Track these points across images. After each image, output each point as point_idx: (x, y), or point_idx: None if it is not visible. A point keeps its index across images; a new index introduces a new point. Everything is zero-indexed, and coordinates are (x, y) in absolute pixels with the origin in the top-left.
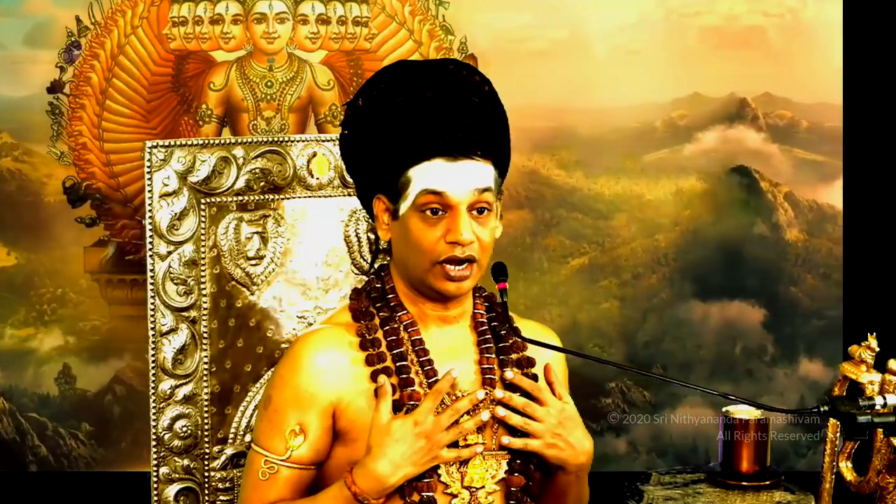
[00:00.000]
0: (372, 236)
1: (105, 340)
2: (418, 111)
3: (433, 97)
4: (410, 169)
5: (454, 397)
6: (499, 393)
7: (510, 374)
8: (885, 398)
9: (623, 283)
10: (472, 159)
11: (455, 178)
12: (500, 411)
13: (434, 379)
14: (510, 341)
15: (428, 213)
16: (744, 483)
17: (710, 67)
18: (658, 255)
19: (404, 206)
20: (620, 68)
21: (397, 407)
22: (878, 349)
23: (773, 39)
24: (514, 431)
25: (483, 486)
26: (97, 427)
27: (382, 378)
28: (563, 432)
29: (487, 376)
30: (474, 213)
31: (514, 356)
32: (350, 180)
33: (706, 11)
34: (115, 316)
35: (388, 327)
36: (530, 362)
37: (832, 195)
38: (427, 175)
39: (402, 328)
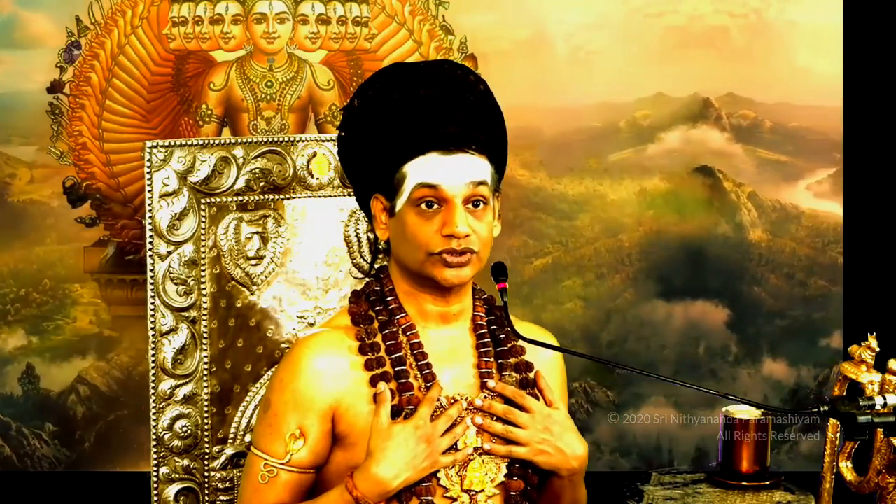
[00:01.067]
0: (372, 236)
1: (68, 341)
2: (413, 107)
3: (428, 94)
4: (406, 164)
5: (451, 401)
6: (478, 401)
7: (492, 383)
8: (885, 398)
9: (586, 283)
10: (466, 153)
11: (450, 171)
12: (480, 420)
13: (432, 384)
14: (509, 345)
15: (423, 206)
16: (744, 483)
17: (674, 67)
18: (622, 255)
19: (400, 202)
20: (584, 68)
21: (396, 412)
22: (878, 349)
23: (737, 39)
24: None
25: (482, 490)
26: (61, 427)
27: (382, 385)
28: (550, 438)
29: (485, 380)
30: (470, 206)
31: (512, 360)
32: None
33: (670, 11)
34: (83, 316)
35: (386, 331)
36: (529, 366)
37: (795, 195)
38: (422, 169)
39: (400, 331)
